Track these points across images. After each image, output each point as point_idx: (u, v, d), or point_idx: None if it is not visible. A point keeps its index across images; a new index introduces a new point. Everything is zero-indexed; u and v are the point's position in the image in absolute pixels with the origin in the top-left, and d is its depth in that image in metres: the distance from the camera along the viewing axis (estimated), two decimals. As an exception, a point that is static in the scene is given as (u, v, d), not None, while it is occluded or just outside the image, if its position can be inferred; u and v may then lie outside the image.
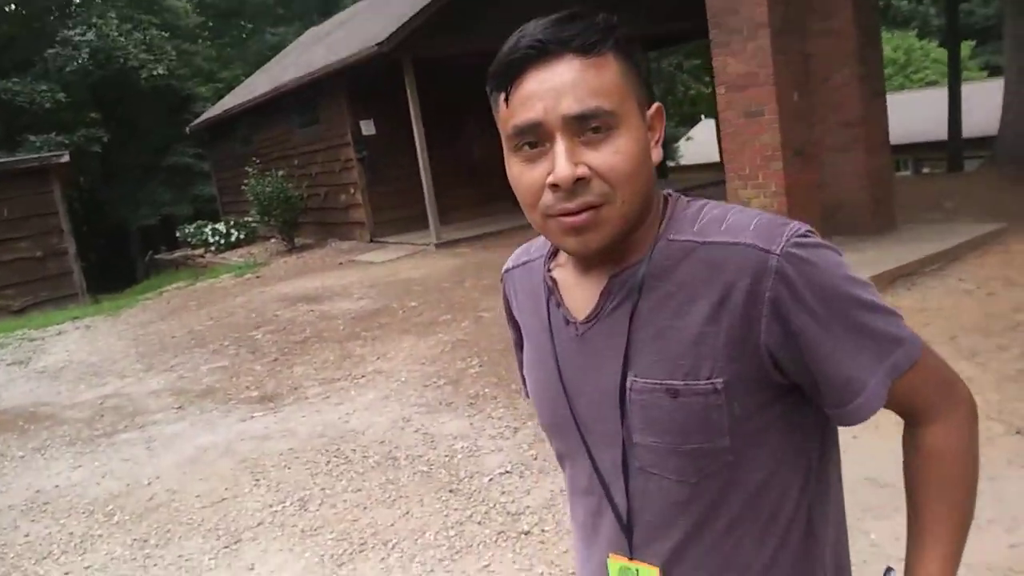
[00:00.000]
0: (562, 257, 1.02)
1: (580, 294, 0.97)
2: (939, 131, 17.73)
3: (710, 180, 14.07)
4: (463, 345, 5.74)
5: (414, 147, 10.30)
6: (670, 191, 0.98)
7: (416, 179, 10.62)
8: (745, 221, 0.88)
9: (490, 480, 3.64)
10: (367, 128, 11.53)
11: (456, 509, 3.42)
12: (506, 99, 0.87)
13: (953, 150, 16.33)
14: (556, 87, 0.83)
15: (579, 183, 0.83)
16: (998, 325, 4.55)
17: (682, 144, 27.37)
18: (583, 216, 0.85)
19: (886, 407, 0.90)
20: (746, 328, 0.85)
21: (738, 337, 0.85)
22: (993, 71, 34.12)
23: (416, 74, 10.16)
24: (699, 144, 26.12)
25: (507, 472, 3.69)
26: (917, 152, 22.20)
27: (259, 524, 3.58)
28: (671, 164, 21.90)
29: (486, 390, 4.79)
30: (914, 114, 20.81)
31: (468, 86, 12.23)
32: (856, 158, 6.97)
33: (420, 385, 5.09)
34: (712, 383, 0.86)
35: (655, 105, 0.93)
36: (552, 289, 1.01)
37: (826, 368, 0.85)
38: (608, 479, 0.95)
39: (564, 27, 0.85)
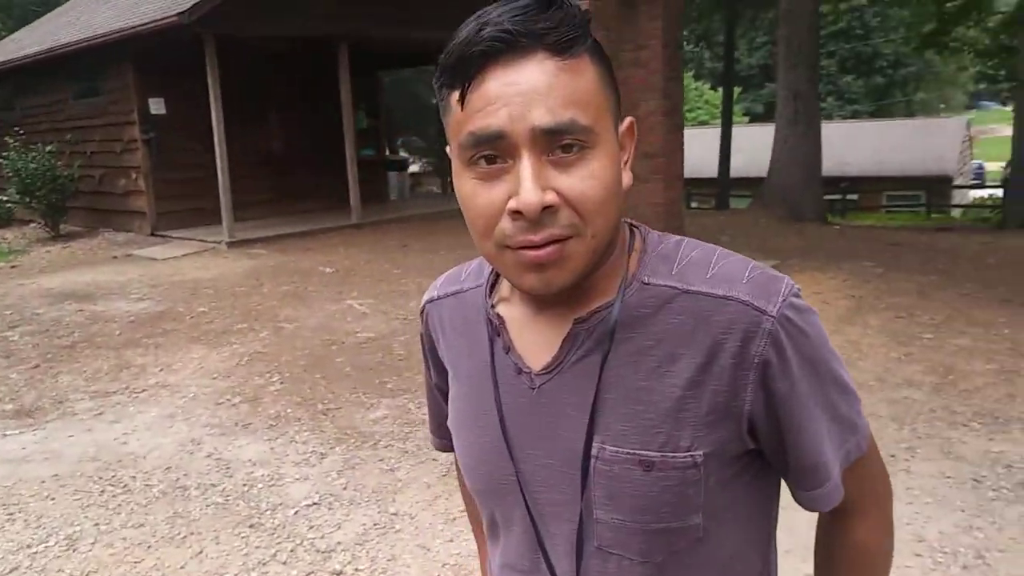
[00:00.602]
0: (505, 289, 0.87)
1: (534, 338, 0.83)
2: (707, 168, 19.49)
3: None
4: (261, 358, 5.36)
5: (210, 133, 9.58)
6: (635, 222, 0.85)
7: (209, 169, 9.90)
8: (736, 271, 0.78)
9: (296, 513, 3.38)
10: (156, 107, 10.58)
11: (258, 547, 3.14)
12: (461, 99, 0.72)
13: (723, 187, 17.97)
14: (525, 92, 0.69)
15: (546, 211, 0.70)
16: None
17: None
18: (548, 250, 0.71)
19: None
20: (731, 395, 0.76)
21: (722, 404, 0.76)
22: (753, 117, 38.16)
23: (218, 53, 9.42)
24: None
25: (315, 504, 3.45)
26: (688, 187, 24.26)
27: (13, 570, 3.07)
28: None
29: (289, 410, 4.48)
30: (687, 151, 22.73)
31: (275, 72, 11.90)
32: (654, 189, 7.39)
33: (212, 403, 4.67)
34: (692, 456, 0.76)
35: (627, 120, 0.80)
36: (499, 329, 0.86)
37: (799, 446, 0.79)
38: (554, 557, 0.83)
39: (537, 16, 0.70)
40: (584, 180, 0.71)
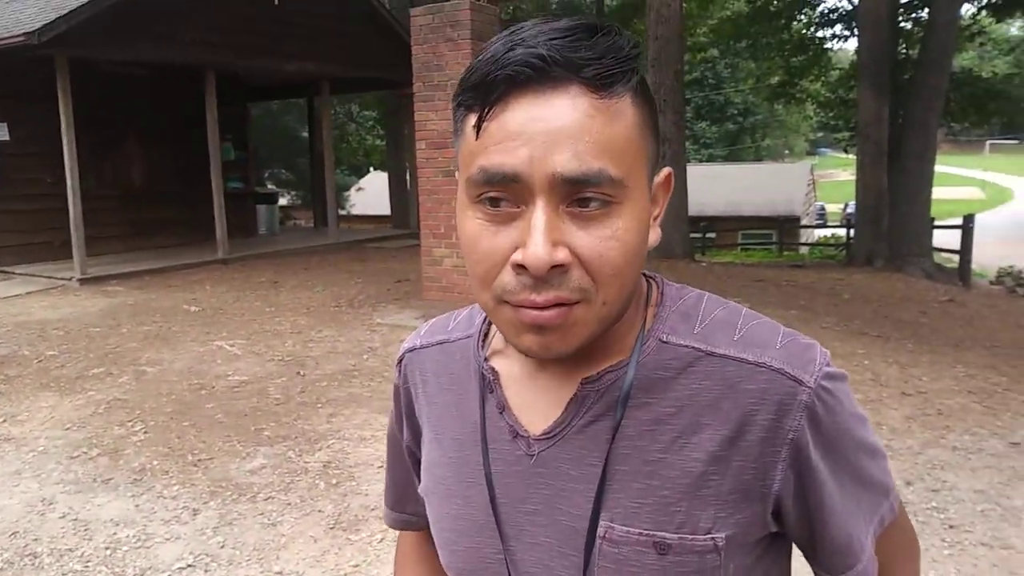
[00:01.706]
0: (500, 340, 0.78)
1: (534, 398, 0.74)
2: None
3: (382, 234, 14.24)
4: (122, 406, 4.92)
5: (60, 162, 8.87)
6: (650, 273, 0.77)
7: (57, 200, 9.22)
8: (768, 335, 0.70)
9: (167, 578, 3.08)
10: (-1, 132, 9.73)
11: (123, 619, 2.82)
12: (477, 126, 0.63)
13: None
14: (552, 131, 0.60)
15: (555, 270, 0.61)
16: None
17: (353, 193, 27.43)
18: (551, 313, 0.63)
19: None
20: (760, 473, 0.68)
21: (748, 483, 0.68)
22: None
23: (73, 77, 8.77)
24: (370, 195, 26.41)
25: (189, 566, 3.15)
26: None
27: None
28: (342, 213, 21.76)
29: (155, 463, 4.11)
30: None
31: (137, 100, 11.25)
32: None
33: (65, 456, 4.22)
34: (713, 539, 0.67)
35: (664, 171, 0.72)
36: (492, 385, 0.76)
37: (831, 525, 0.71)
38: None
39: (579, 43, 0.61)
40: (604, 241, 0.62)
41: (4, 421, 4.74)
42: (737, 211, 26.03)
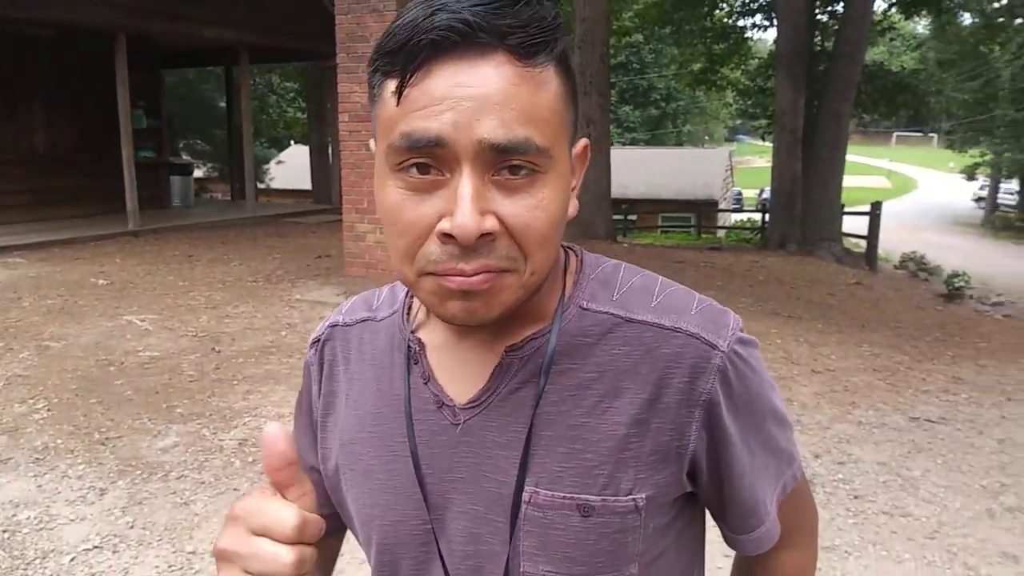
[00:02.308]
0: (423, 312, 0.77)
1: (458, 368, 0.73)
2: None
3: (303, 208, 13.93)
4: (23, 382, 4.68)
5: (-46, 127, 8.33)
6: (568, 243, 0.77)
7: (-48, 167, 8.61)
8: (683, 301, 0.72)
9: (72, 560, 2.94)
10: None
11: (23, 603, 2.69)
12: (398, 92, 0.61)
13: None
14: (477, 97, 0.59)
15: (482, 239, 0.60)
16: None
17: (272, 166, 26.69)
18: (478, 278, 0.62)
19: None
20: (677, 434, 0.69)
21: (666, 444, 0.69)
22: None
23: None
24: (290, 169, 25.77)
25: (96, 547, 3.02)
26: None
27: None
28: (261, 187, 21.13)
29: (59, 441, 3.93)
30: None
31: (40, 62, 10.64)
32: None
33: (-40, 434, 3.99)
34: (634, 499, 0.69)
35: (582, 141, 0.71)
36: (418, 356, 0.75)
37: (739, 486, 0.74)
38: None
39: (502, 11, 0.60)
40: (531, 210, 0.62)
41: None
42: (658, 194, 26.50)
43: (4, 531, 3.13)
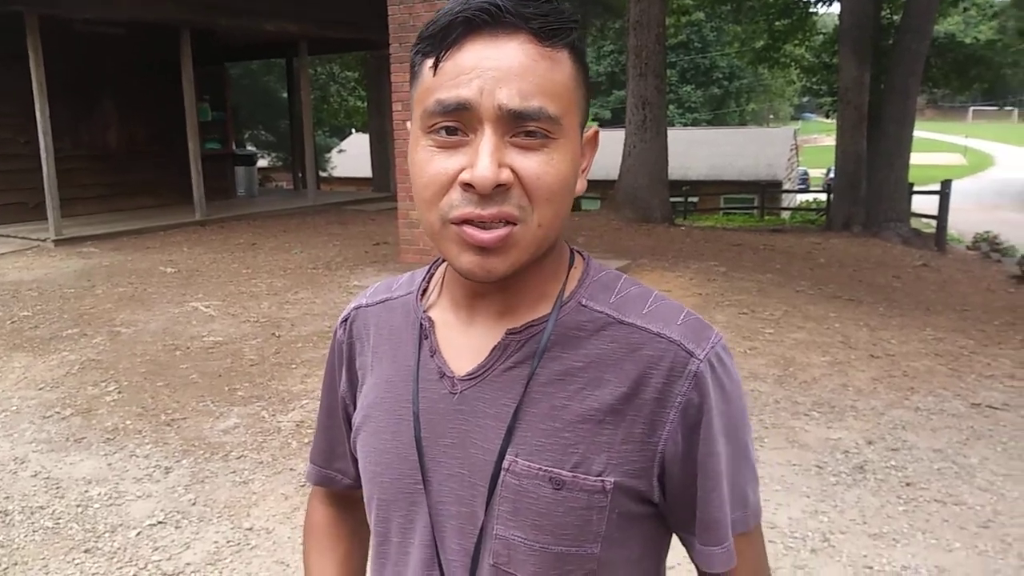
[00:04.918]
0: (436, 295, 0.86)
1: (462, 344, 0.81)
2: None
3: (362, 197, 14.14)
4: (95, 366, 4.93)
5: (34, 123, 8.73)
6: (578, 248, 0.86)
7: (32, 160, 9.08)
8: (672, 312, 0.79)
9: (138, 534, 3.11)
10: (-34, 92, 9.53)
11: (95, 573, 2.85)
12: (435, 66, 0.71)
13: (576, 188, 18.39)
14: (501, 68, 0.69)
15: (498, 189, 0.69)
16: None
17: (334, 155, 27.16)
18: (494, 235, 0.70)
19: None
20: (649, 429, 0.75)
21: (638, 436, 0.75)
22: (602, 123, 39.52)
23: (43, 35, 8.59)
24: (351, 158, 26.17)
25: (160, 523, 3.19)
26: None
27: None
28: (323, 175, 21.52)
29: (128, 422, 4.14)
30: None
31: (109, 59, 11.04)
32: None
33: (38, 416, 4.24)
34: (602, 481, 0.75)
35: (592, 128, 0.80)
36: (427, 332, 0.83)
37: (708, 496, 0.77)
38: (450, 573, 0.80)
39: (528, 2, 0.70)
40: (542, 165, 0.71)
41: (-23, 381, 4.73)
42: (720, 175, 26.05)
43: (78, 506, 3.33)
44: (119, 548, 3.01)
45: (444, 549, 0.80)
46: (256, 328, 5.68)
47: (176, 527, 3.16)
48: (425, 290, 0.88)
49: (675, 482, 0.77)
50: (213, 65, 12.42)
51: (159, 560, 2.94)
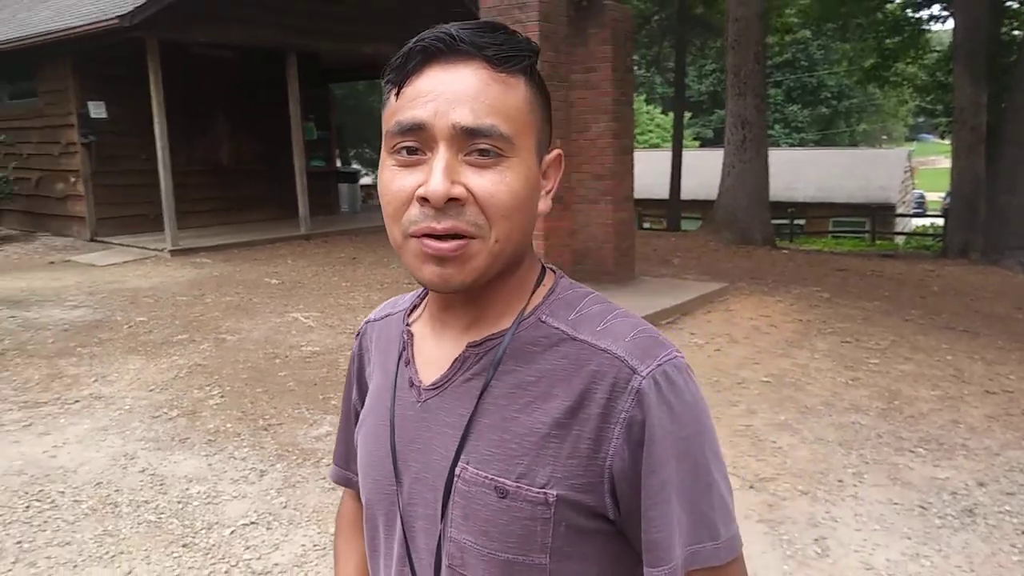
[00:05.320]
0: (419, 309, 0.93)
1: (432, 355, 0.87)
2: (660, 190, 19.74)
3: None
4: (202, 371, 5.17)
5: (152, 139, 9.30)
6: (554, 266, 0.89)
7: (152, 175, 9.65)
8: (624, 329, 0.79)
9: (232, 532, 3.24)
10: (96, 110, 10.22)
11: (191, 568, 2.98)
12: (398, 92, 0.77)
13: (674, 209, 18.21)
14: (454, 91, 0.74)
15: (451, 203, 0.74)
16: (726, 380, 4.99)
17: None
18: (450, 244, 0.74)
19: None
20: (595, 444, 0.76)
21: (584, 451, 0.76)
22: (703, 142, 38.91)
23: (162, 59, 9.18)
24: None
25: (252, 523, 3.31)
26: (640, 207, 24.56)
27: (-76, 592, 2.86)
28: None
29: (228, 425, 4.32)
30: (639, 172, 23.07)
31: (221, 81, 11.66)
32: (603, 210, 7.41)
33: (148, 416, 4.48)
34: (544, 493, 0.76)
35: (555, 151, 0.84)
36: (406, 344, 0.90)
37: (649, 517, 0.75)
38: (420, 572, 0.85)
39: (482, 32, 0.76)
40: (495, 184, 0.74)
41: (95, 381, 5.05)
42: (828, 198, 25.10)
43: (179, 502, 3.49)
44: (214, 545, 3.14)
45: (415, 548, 0.84)
46: (351, 339, 5.79)
47: (267, 528, 3.27)
48: (416, 306, 0.94)
49: (626, 499, 0.77)
50: (319, 87, 12.94)
51: (250, 559, 3.04)
